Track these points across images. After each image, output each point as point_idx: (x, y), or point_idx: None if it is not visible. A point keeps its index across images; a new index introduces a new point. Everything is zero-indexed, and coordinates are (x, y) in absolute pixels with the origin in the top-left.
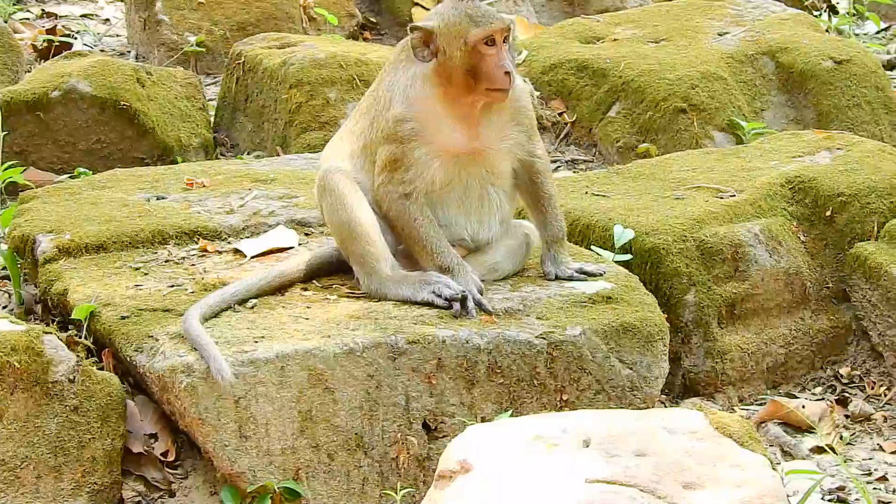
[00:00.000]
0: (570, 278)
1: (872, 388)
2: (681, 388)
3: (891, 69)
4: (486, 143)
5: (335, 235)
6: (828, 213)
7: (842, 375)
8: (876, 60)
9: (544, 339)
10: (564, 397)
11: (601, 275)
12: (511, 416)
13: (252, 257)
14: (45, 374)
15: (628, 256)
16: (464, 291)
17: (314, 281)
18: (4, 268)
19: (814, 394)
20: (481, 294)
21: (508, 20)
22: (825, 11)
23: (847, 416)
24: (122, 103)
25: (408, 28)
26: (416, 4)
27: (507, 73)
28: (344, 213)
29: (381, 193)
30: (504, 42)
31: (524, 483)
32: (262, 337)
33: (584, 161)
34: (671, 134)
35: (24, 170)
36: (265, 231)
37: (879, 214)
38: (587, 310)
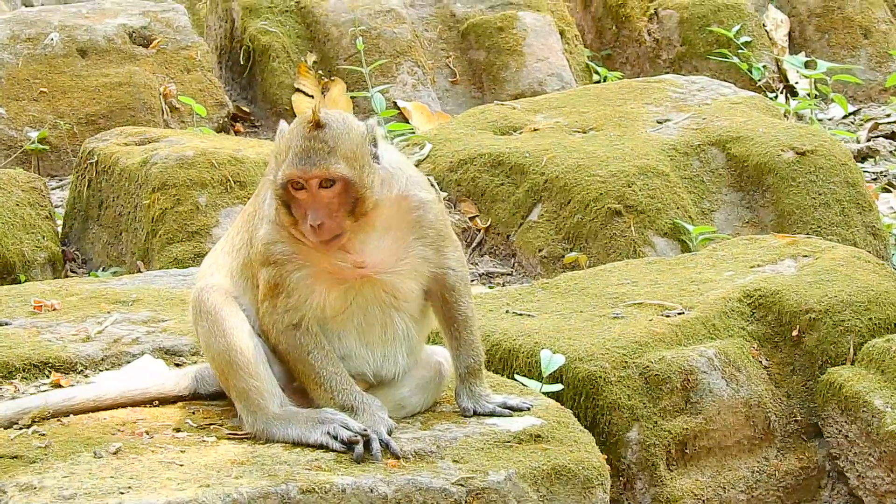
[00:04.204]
0: (492, 414)
1: None
2: None
3: (863, 160)
4: (378, 267)
5: (213, 366)
6: (794, 333)
7: None
8: (845, 150)
9: (462, 485)
10: None
11: (528, 409)
12: None
13: None
14: None
15: (559, 387)
16: (366, 431)
17: (188, 421)
18: None
19: None
20: (390, 434)
21: (325, 170)
22: (782, 93)
23: None
24: None
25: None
26: (298, 91)
27: (314, 226)
28: (222, 340)
29: (267, 323)
30: (324, 189)
31: None
32: (129, 487)
33: (502, 274)
34: (604, 241)
35: None
36: (128, 361)
37: (856, 333)
38: (513, 451)
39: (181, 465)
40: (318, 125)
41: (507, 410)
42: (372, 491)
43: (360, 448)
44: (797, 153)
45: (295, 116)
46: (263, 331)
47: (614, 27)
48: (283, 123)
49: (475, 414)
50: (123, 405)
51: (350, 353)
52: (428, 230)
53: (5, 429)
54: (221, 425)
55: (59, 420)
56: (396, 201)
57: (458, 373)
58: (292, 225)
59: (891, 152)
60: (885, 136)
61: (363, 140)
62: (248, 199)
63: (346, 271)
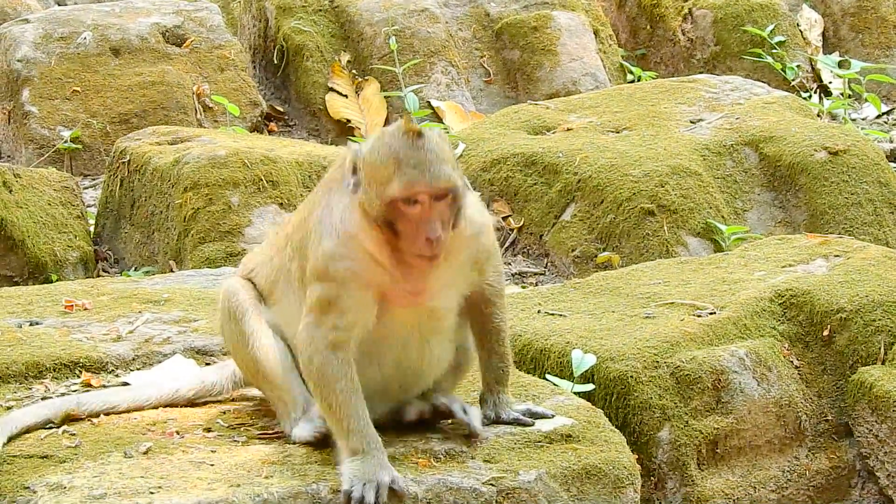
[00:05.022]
0: (515, 422)
1: None
2: None
3: (895, 160)
4: (434, 297)
5: (242, 370)
6: (825, 333)
7: None
8: (878, 150)
9: (493, 485)
10: None
11: (551, 417)
12: None
13: None
14: None
15: (590, 387)
16: (365, 486)
17: (218, 421)
18: None
19: None
20: (394, 484)
21: (445, 182)
22: (816, 93)
23: None
24: None
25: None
26: (332, 90)
27: (432, 239)
28: (247, 352)
29: (305, 338)
30: (438, 201)
31: None
32: (160, 487)
33: (534, 274)
34: (637, 240)
35: None
36: (159, 361)
37: (887, 333)
38: (543, 451)
39: (211, 465)
40: (419, 134)
41: (530, 419)
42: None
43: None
44: (830, 153)
45: (328, 116)
46: (296, 345)
47: (649, 27)
48: (352, 144)
49: (499, 421)
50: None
51: (382, 374)
52: (481, 254)
53: (38, 429)
54: (252, 425)
55: (89, 420)
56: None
57: (486, 381)
58: (391, 242)
59: None
60: None
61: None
62: (281, 199)
63: (403, 297)
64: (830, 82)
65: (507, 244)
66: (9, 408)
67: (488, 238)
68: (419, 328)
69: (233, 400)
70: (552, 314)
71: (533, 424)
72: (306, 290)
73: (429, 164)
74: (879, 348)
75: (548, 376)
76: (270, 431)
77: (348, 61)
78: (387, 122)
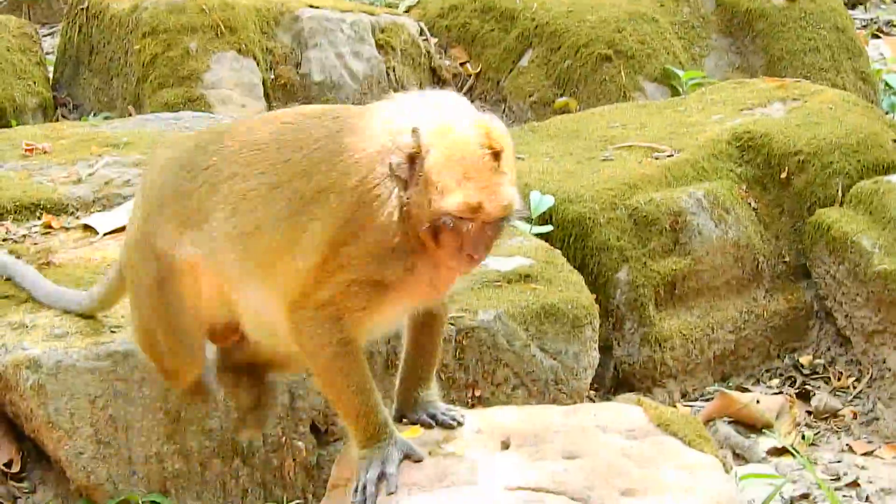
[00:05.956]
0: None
1: (838, 380)
2: (613, 382)
3: (853, 7)
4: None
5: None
6: (783, 175)
7: (802, 365)
8: None
9: (452, 324)
10: (477, 393)
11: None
12: None
13: (104, 234)
14: None
15: (548, 228)
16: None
17: None
18: None
19: (770, 386)
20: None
21: (507, 208)
22: None
23: (809, 413)
24: None
25: (411, 129)
26: None
27: (474, 258)
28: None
29: (315, 331)
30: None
31: (432, 490)
32: (120, 325)
33: None
34: (594, 86)
35: None
36: (119, 203)
37: (844, 175)
38: (502, 290)
39: None
40: (497, 156)
41: (461, 418)
42: None
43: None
44: None
45: None
46: (298, 333)
47: None
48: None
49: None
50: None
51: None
52: None
53: None
54: None
55: (48, 262)
56: None
57: (418, 377)
58: (428, 244)
59: None
60: None
61: None
62: (238, 45)
63: (422, 293)
64: None
65: (464, 90)
66: None
67: None
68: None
69: None
70: None
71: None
72: (293, 278)
73: (496, 187)
74: (837, 190)
75: None
76: None
77: None
78: None
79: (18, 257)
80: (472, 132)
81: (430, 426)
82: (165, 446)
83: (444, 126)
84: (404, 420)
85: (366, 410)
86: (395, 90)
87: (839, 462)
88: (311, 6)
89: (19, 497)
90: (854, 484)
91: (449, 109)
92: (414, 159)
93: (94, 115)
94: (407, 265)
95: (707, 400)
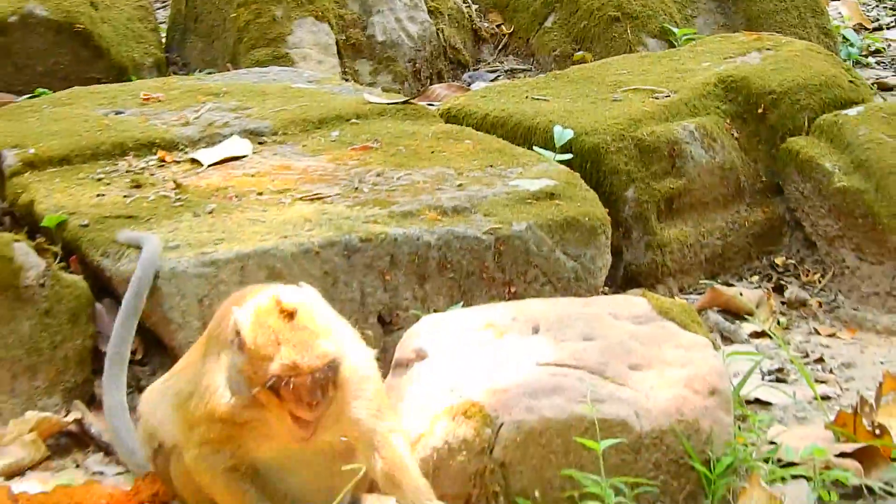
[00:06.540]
0: None
1: (807, 276)
2: (623, 280)
3: None
4: (329, 435)
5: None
6: (760, 111)
7: (777, 264)
8: None
9: (492, 234)
10: (513, 289)
11: None
12: (462, 308)
13: (209, 165)
14: (17, 280)
15: (569, 156)
16: None
17: (269, 186)
18: None
19: (751, 282)
20: None
21: (322, 358)
22: None
23: (783, 303)
24: (77, 26)
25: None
26: None
27: (312, 404)
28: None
29: (200, 465)
30: (317, 373)
31: (478, 366)
32: (222, 239)
33: (523, 70)
34: (606, 41)
35: None
36: (220, 140)
37: (809, 110)
38: (532, 206)
39: (264, 222)
40: (291, 316)
41: None
42: (419, 239)
43: None
44: None
45: None
46: (195, 468)
47: None
48: (235, 310)
49: None
50: None
51: (292, 497)
52: (364, 397)
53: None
54: (295, 190)
55: (178, 184)
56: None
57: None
58: (275, 401)
59: None
60: None
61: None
62: (315, 13)
63: (294, 439)
64: None
65: (500, 47)
66: (99, 180)
67: (368, 369)
68: (319, 453)
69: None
70: (538, 99)
71: None
72: (188, 419)
73: (306, 343)
74: (804, 122)
75: (535, 148)
76: (310, 195)
77: None
78: None
79: (139, 186)
80: (269, 304)
81: None
82: None
83: (252, 305)
84: None
85: None
86: (444, 47)
87: (808, 343)
88: None
89: (142, 379)
90: (820, 360)
91: (264, 294)
92: (238, 334)
93: (199, 71)
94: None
95: (700, 293)
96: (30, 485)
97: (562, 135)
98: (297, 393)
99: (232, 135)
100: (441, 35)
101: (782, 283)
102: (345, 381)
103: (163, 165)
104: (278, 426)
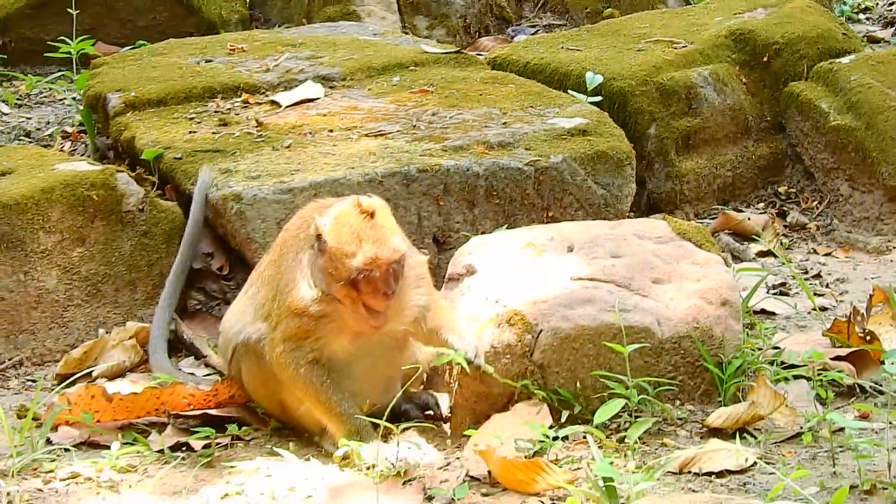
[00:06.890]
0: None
1: (806, 203)
2: (646, 206)
3: None
4: (393, 324)
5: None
6: (765, 59)
7: (780, 193)
8: None
9: (532, 166)
10: (550, 214)
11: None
12: (506, 230)
13: (286, 106)
14: (119, 205)
15: (599, 98)
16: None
17: (338, 123)
18: (82, 123)
19: (757, 209)
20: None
21: (397, 252)
22: None
23: (785, 226)
24: None
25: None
26: None
27: (388, 293)
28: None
29: (284, 360)
30: (391, 265)
31: (520, 280)
32: (298, 170)
33: (559, 26)
34: (630, 0)
35: (94, 43)
36: (296, 85)
37: (808, 59)
38: (566, 141)
39: (334, 155)
40: (372, 215)
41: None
42: (468, 170)
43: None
44: None
45: None
46: (277, 365)
47: None
48: (317, 217)
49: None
50: None
51: (355, 388)
52: (424, 285)
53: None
54: (362, 127)
55: (260, 122)
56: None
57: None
58: (352, 294)
59: None
60: None
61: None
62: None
63: (366, 328)
64: None
65: (539, 4)
66: (190, 119)
67: (422, 269)
68: (383, 347)
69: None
70: (572, 49)
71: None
72: (272, 317)
73: (383, 238)
74: (803, 69)
75: (569, 91)
76: (374, 131)
77: None
78: None
79: (226, 124)
80: (349, 207)
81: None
82: None
83: (333, 211)
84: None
85: (343, 409)
86: (491, 5)
87: (807, 261)
88: None
89: (228, 292)
90: (817, 276)
91: (343, 202)
92: (320, 236)
93: (278, 25)
94: (327, 311)
95: (713, 218)
96: (123, 385)
97: (593, 80)
98: (374, 284)
99: (306, 80)
100: None
101: (785, 209)
102: (408, 274)
103: (246, 106)
104: (353, 317)
